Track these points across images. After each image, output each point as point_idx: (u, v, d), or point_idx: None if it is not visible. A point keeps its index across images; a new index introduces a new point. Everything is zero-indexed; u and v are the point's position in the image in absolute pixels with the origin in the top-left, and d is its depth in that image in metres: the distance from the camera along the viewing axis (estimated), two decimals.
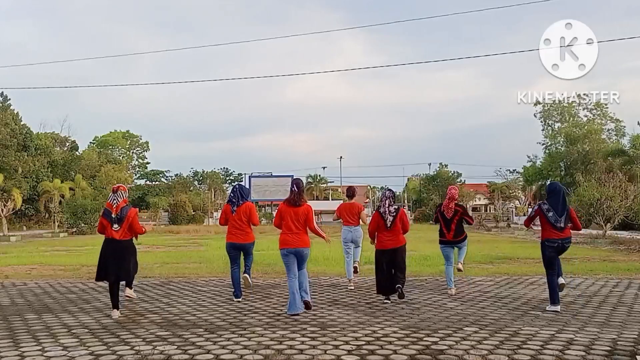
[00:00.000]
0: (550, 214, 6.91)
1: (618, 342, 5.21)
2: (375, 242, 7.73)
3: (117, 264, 6.78)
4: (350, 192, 9.30)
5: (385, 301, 7.41)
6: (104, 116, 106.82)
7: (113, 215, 6.73)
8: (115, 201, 6.80)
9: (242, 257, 8.00)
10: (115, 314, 6.60)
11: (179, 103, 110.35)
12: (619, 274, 10.48)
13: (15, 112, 43.76)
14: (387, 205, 7.67)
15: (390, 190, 8.14)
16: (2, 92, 43.28)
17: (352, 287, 8.72)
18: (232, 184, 72.95)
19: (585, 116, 54.62)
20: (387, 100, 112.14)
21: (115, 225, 6.71)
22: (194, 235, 27.77)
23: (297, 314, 6.54)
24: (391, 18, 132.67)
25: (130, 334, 5.67)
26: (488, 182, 63.57)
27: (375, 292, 7.78)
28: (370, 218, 8.00)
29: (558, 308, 6.78)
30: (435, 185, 55.59)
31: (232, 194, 8.03)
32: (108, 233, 6.74)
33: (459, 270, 8.43)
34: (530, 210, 7.25)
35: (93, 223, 31.57)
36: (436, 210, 8.31)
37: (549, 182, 7.86)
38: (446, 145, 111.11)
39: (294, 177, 7.56)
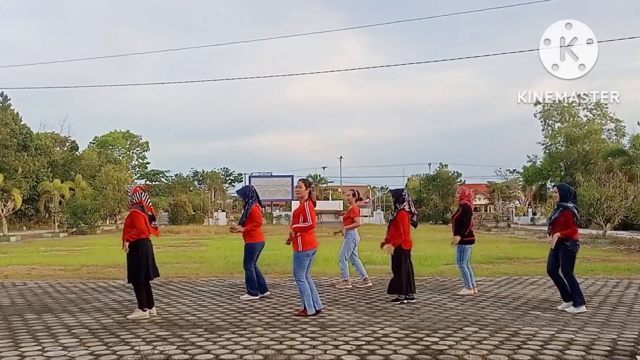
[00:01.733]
0: (578, 214, 6.99)
1: (618, 342, 5.21)
2: (404, 243, 7.49)
3: (154, 261, 6.88)
4: (359, 194, 9.35)
5: (412, 300, 7.40)
6: (104, 116, 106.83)
7: (150, 214, 6.86)
8: (149, 201, 6.93)
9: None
10: (154, 311, 6.64)
11: (179, 103, 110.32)
12: (619, 274, 10.48)
13: (15, 112, 43.71)
14: (412, 205, 7.71)
15: (403, 189, 8.06)
16: (2, 92, 43.26)
17: (371, 284, 8.91)
18: (233, 184, 73.08)
19: (585, 116, 54.67)
20: (387, 100, 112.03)
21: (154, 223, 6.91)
22: (194, 235, 27.78)
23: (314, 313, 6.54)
24: (391, 18, 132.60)
25: (130, 334, 5.67)
26: (488, 182, 63.56)
27: (401, 292, 7.45)
28: (397, 218, 7.58)
29: (584, 308, 6.85)
30: (435, 185, 55.55)
31: (256, 194, 8.10)
32: (150, 232, 6.77)
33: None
34: (557, 213, 7.00)
35: (93, 223, 31.61)
36: (471, 211, 8.22)
37: (563, 184, 7.83)
38: (446, 145, 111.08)
39: (302, 178, 7.43)
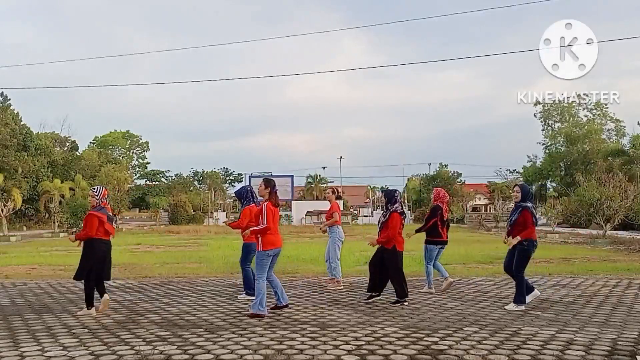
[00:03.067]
0: (536, 214, 7.15)
1: (618, 342, 5.21)
2: (398, 244, 7.45)
3: (110, 261, 7.11)
4: (338, 192, 9.49)
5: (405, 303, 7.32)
6: (104, 116, 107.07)
7: (111, 215, 7.05)
8: (111, 203, 7.05)
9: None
10: (94, 312, 6.72)
11: (179, 103, 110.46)
12: (619, 274, 10.49)
13: (15, 112, 43.67)
14: (403, 206, 7.72)
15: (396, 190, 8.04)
16: (2, 92, 43.19)
17: (342, 287, 8.91)
18: (233, 184, 73.10)
19: (585, 116, 54.74)
20: (387, 100, 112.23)
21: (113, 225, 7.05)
22: (194, 235, 27.76)
23: (265, 315, 6.50)
24: (391, 18, 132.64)
25: (130, 334, 5.67)
26: (488, 182, 63.57)
27: (403, 296, 7.36)
28: (389, 221, 7.49)
29: (523, 307, 7.01)
30: (435, 185, 55.52)
31: (252, 195, 8.03)
32: (110, 233, 6.89)
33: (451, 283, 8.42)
34: (517, 214, 7.13)
35: None
36: (437, 213, 8.23)
37: (524, 184, 7.91)
38: (446, 145, 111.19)
39: (265, 177, 7.33)
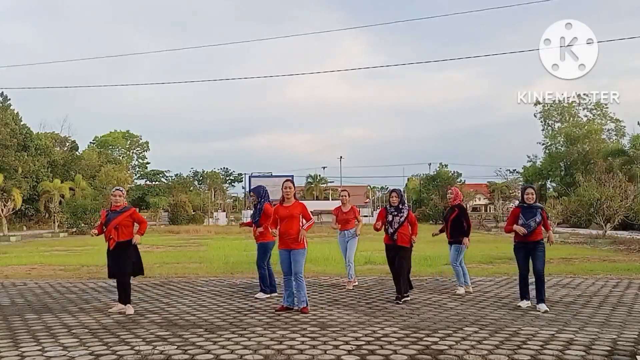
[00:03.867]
0: None
1: (618, 342, 5.22)
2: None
3: None
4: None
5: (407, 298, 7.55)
6: (104, 116, 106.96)
7: None
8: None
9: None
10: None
11: (179, 103, 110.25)
12: (619, 274, 10.48)
13: (15, 112, 43.65)
14: None
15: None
16: (2, 92, 43.14)
17: (357, 283, 9.09)
18: (233, 184, 73.10)
19: (585, 116, 54.70)
20: (387, 100, 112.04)
21: None
22: (194, 235, 27.76)
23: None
24: (391, 18, 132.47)
25: (130, 334, 5.68)
26: (488, 182, 63.43)
27: (407, 290, 7.67)
28: (411, 219, 7.80)
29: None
30: (435, 186, 55.51)
31: (268, 194, 8.19)
32: None
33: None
34: (539, 215, 7.15)
35: (93, 223, 31.59)
36: (466, 212, 8.42)
37: (528, 185, 8.00)
38: (446, 145, 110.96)
39: (288, 179, 7.53)
